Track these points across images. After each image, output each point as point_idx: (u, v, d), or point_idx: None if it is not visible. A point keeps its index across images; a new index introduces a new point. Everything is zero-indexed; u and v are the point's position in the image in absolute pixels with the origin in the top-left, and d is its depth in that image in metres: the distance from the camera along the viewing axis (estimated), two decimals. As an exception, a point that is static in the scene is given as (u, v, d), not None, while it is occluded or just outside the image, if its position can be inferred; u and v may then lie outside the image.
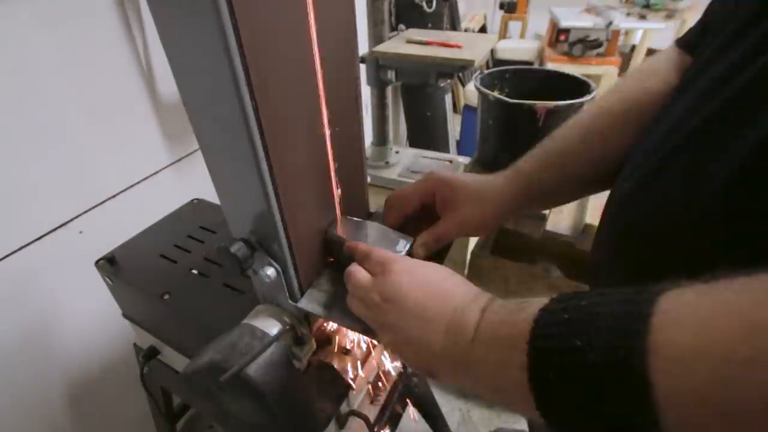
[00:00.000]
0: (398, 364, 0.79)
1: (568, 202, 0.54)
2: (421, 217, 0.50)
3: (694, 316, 0.21)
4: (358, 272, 0.41)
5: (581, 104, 0.91)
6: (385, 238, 0.47)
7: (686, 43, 0.47)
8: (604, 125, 0.47)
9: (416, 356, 0.35)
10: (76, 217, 0.81)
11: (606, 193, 0.44)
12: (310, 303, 0.47)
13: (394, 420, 0.80)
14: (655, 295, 0.23)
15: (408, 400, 0.85)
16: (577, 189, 0.50)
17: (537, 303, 0.28)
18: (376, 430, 0.70)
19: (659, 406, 0.21)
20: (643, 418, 0.21)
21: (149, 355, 0.71)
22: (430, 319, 0.34)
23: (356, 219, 0.51)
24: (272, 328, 0.46)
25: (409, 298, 0.35)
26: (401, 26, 1.32)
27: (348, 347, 0.58)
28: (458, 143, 2.26)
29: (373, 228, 0.49)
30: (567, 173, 0.47)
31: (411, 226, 0.50)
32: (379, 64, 1.12)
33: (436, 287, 0.36)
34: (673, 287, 0.23)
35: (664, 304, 0.22)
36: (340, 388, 0.58)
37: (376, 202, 0.61)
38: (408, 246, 0.47)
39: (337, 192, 0.49)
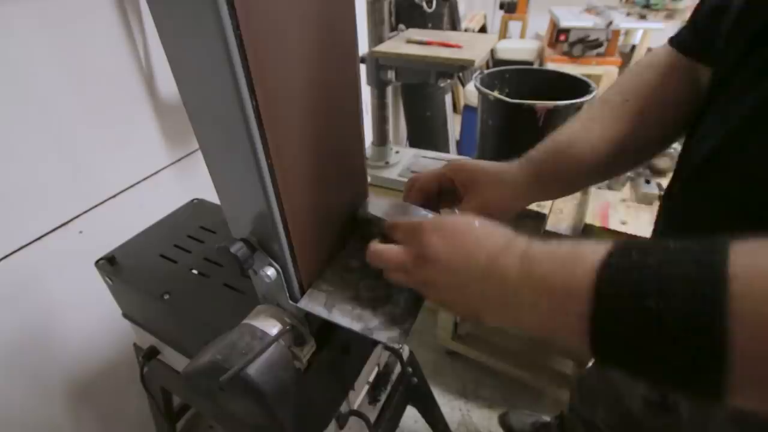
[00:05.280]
0: (398, 365, 0.79)
1: (576, 190, 0.57)
2: (439, 202, 0.54)
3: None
4: (382, 246, 0.42)
5: (581, 104, 0.91)
6: (409, 213, 0.50)
7: (679, 43, 0.50)
8: (603, 114, 0.50)
9: (460, 304, 0.37)
10: (76, 217, 0.81)
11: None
12: (310, 303, 0.47)
13: (394, 420, 0.80)
14: (725, 257, 0.23)
15: (408, 400, 0.85)
16: (581, 175, 0.53)
17: (591, 253, 0.29)
18: (375, 430, 0.70)
19: (731, 365, 0.22)
20: (711, 374, 0.23)
21: (149, 355, 0.71)
22: (467, 269, 0.35)
23: (380, 198, 0.54)
24: (272, 328, 0.46)
25: (442, 254, 0.37)
26: (401, 26, 1.32)
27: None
28: (458, 143, 2.26)
29: (397, 205, 0.52)
30: (571, 159, 0.50)
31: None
32: (379, 64, 1.11)
33: (466, 238, 0.37)
34: (740, 244, 0.24)
35: (739, 265, 0.23)
36: (340, 388, 0.58)
37: (376, 202, 0.61)
38: (431, 217, 0.49)
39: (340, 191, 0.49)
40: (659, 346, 0.25)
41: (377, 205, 0.53)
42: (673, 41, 0.51)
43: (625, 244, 0.28)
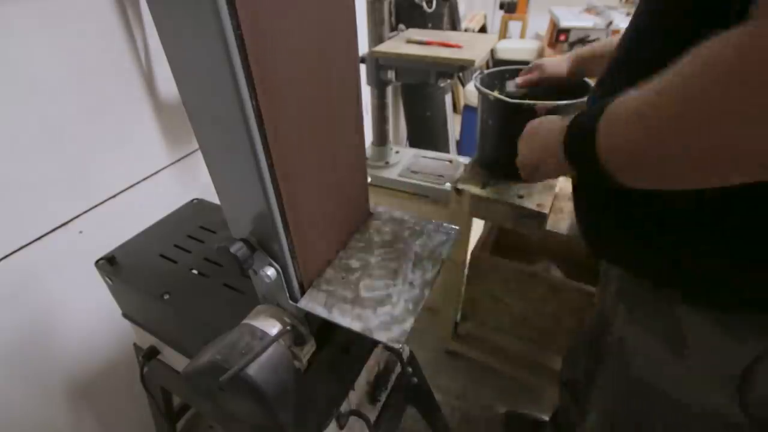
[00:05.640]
0: (398, 365, 0.79)
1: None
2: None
3: (632, 97, 0.37)
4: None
5: (581, 104, 0.91)
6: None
7: None
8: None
9: (532, 149, 0.60)
10: (76, 217, 0.81)
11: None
12: (310, 303, 0.47)
13: (394, 420, 0.80)
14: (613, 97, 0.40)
15: (408, 400, 0.85)
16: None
17: (578, 114, 0.47)
18: (375, 430, 0.70)
19: (600, 151, 0.40)
20: (592, 160, 0.41)
21: (149, 355, 0.71)
22: (538, 134, 0.59)
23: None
24: (272, 328, 0.46)
25: (528, 129, 0.63)
26: (401, 26, 1.32)
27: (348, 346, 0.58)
28: (458, 143, 2.26)
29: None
30: (597, 57, 0.84)
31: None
32: (379, 64, 1.12)
33: (550, 125, 0.56)
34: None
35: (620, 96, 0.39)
36: (340, 388, 0.58)
37: (376, 202, 0.61)
38: None
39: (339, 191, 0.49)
40: (582, 144, 0.43)
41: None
42: None
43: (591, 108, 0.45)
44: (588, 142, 0.41)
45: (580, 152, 0.44)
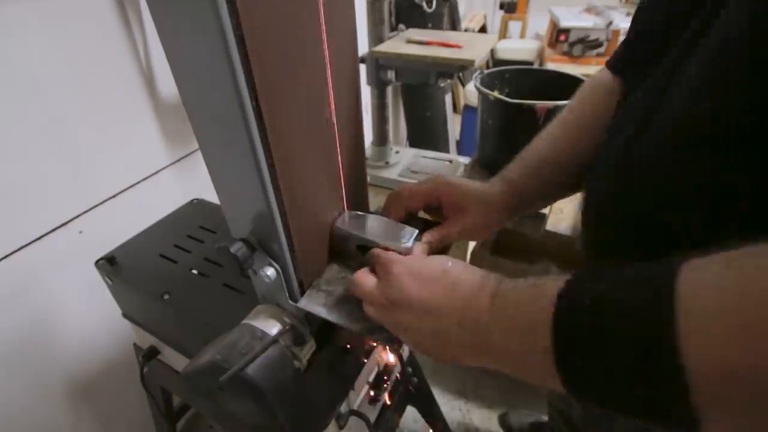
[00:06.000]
0: (399, 365, 0.79)
1: (550, 204, 0.58)
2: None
3: (717, 300, 0.21)
4: (361, 278, 0.41)
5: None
6: (390, 230, 0.48)
7: (612, 65, 0.52)
8: (564, 134, 0.53)
9: (436, 349, 0.36)
10: (76, 217, 0.81)
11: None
12: (310, 303, 0.47)
13: (394, 420, 0.80)
14: (673, 276, 0.23)
15: (408, 400, 0.85)
16: (555, 193, 0.55)
17: (551, 286, 0.29)
18: (375, 430, 0.70)
19: (691, 386, 0.21)
20: (676, 399, 0.22)
21: (149, 355, 0.71)
22: (441, 315, 0.35)
23: (360, 213, 0.52)
24: (272, 328, 0.46)
25: (414, 299, 0.36)
26: (401, 26, 1.32)
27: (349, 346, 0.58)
28: (458, 143, 2.26)
29: (377, 221, 0.50)
30: (544, 180, 0.52)
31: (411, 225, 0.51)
32: (379, 64, 1.12)
33: (441, 283, 0.36)
34: (685, 263, 0.23)
35: (683, 285, 0.23)
36: (340, 388, 0.58)
37: (376, 202, 0.61)
38: (414, 236, 0.46)
39: (342, 190, 0.49)
40: (620, 375, 0.24)
41: (357, 220, 0.50)
42: (607, 63, 0.53)
43: (582, 273, 0.28)
44: (658, 347, 0.22)
45: (633, 367, 0.24)
